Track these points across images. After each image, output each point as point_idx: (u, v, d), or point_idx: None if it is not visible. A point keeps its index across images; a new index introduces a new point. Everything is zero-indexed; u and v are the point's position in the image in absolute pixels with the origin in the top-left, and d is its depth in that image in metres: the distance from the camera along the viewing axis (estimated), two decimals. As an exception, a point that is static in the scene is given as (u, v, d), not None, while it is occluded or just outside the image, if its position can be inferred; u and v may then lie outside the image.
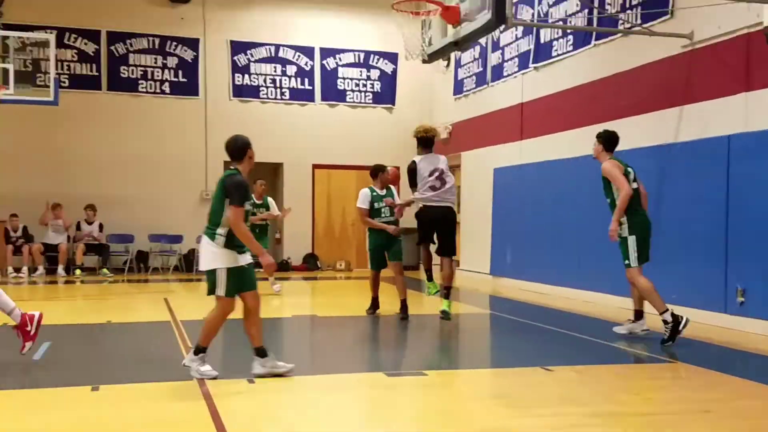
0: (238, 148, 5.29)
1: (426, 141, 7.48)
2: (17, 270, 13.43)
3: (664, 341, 6.54)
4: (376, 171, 8.73)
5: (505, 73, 13.02)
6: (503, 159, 12.99)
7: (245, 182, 5.19)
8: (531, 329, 8.02)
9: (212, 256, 5.10)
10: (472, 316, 9.48)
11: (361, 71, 16.30)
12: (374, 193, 8.49)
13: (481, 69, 13.88)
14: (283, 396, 4.95)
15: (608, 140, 6.90)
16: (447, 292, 7.32)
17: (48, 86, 12.96)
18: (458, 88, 14.81)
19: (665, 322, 6.53)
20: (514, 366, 5.90)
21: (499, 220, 13.08)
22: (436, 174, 7.28)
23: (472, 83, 14.24)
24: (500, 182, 13.07)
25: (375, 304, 8.62)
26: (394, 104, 16.46)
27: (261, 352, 5.24)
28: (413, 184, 7.26)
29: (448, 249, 7.38)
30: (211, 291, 5.15)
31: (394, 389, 5.16)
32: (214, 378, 5.17)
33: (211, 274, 5.12)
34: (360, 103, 16.30)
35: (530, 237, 11.96)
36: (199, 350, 5.23)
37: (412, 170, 7.28)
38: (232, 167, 5.30)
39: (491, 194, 13.27)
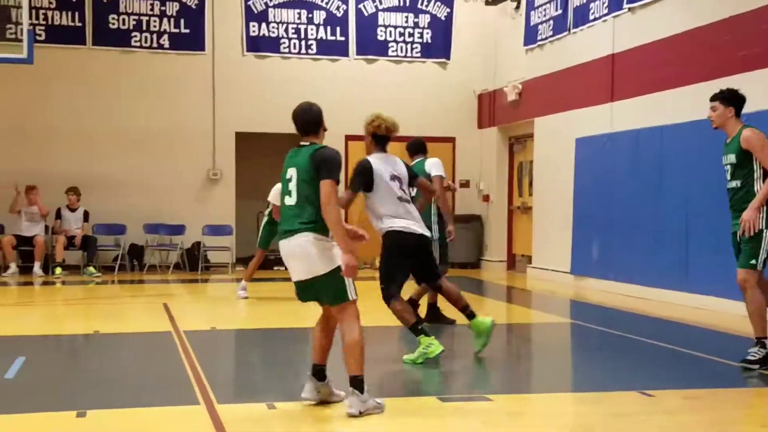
0: (315, 119, 5.27)
1: (385, 140, 6.78)
2: (-15, 268, 13.81)
3: (747, 362, 6.38)
4: (421, 146, 8.69)
5: (591, 16, 12.84)
6: (588, 126, 12.85)
7: (340, 157, 5.19)
8: (625, 343, 7.93)
9: (327, 253, 5.01)
10: (547, 326, 9.44)
11: (407, 17, 16.25)
12: None
13: (560, 11, 13.72)
14: (310, 425, 4.99)
15: (737, 101, 6.65)
16: (471, 311, 7.01)
17: (20, 40, 13.15)
18: (531, 36, 14.67)
19: (763, 345, 6.37)
20: (603, 390, 5.85)
21: (582, 205, 12.96)
22: (398, 183, 6.67)
23: (548, 30, 14.09)
24: (584, 156, 12.93)
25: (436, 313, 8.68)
26: (449, 58, 16.39)
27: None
28: (364, 187, 6.58)
29: (436, 270, 7.03)
30: (340, 298, 5.06)
31: (451, 418, 5.17)
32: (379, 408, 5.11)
33: (331, 278, 5.02)
34: (406, 57, 16.26)
35: (623, 226, 11.82)
36: (361, 383, 5.03)
37: (367, 169, 6.55)
38: (307, 143, 5.22)
39: (572, 171, 13.15)
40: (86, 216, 14.53)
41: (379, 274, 7.02)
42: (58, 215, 14.42)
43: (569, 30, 13.46)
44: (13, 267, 13.98)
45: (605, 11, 12.45)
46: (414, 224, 6.71)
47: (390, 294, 6.76)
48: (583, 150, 12.94)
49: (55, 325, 9.38)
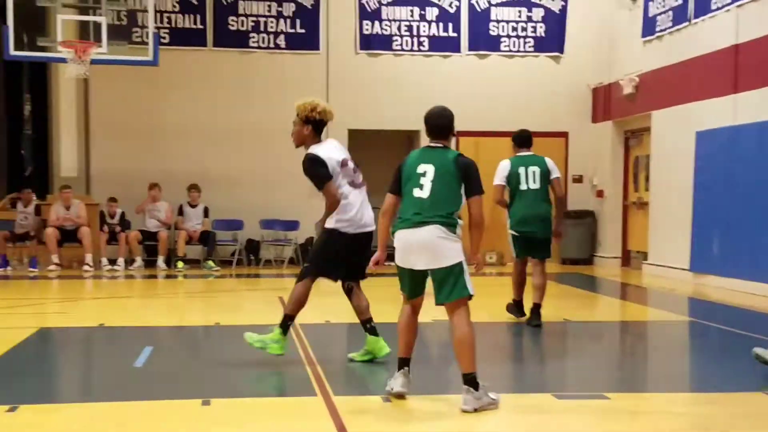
0: (448, 124, 5.41)
1: (320, 125, 6.57)
2: (112, 262, 14.41)
3: None
4: (529, 138, 8.64)
5: (713, 6, 12.43)
6: (710, 119, 12.45)
7: None
8: (748, 343, 7.66)
9: (453, 246, 5.18)
10: (665, 324, 9.21)
11: (519, 11, 16.08)
12: None
13: (680, 1, 13.33)
14: (424, 420, 5.04)
15: None
16: (373, 326, 6.52)
17: (146, 43, 13.72)
18: (649, 27, 14.31)
19: None
20: (725, 390, 5.70)
21: (703, 200, 12.57)
22: (351, 165, 6.38)
23: (667, 21, 13.71)
24: (705, 150, 12.54)
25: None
26: (562, 52, 16.14)
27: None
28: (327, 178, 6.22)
29: (362, 270, 6.51)
30: (458, 292, 5.16)
31: (567, 416, 5.12)
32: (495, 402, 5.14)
33: (454, 271, 5.16)
34: (518, 51, 16.11)
35: (747, 222, 11.41)
36: (474, 380, 5.11)
37: (321, 162, 6.28)
38: (439, 145, 5.37)
39: (692, 165, 12.77)
40: (206, 212, 14.96)
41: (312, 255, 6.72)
42: (180, 211, 14.89)
43: (690, 20, 13.06)
44: (138, 261, 14.57)
45: (728, 0, 12.03)
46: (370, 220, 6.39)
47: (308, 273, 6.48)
48: (705, 143, 12.55)
49: (178, 316, 9.75)
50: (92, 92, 15.16)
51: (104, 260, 14.32)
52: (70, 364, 7.07)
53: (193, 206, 14.92)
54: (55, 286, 12.60)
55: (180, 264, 14.34)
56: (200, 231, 14.75)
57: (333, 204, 6.22)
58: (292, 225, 15.37)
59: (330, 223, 6.33)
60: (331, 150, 6.42)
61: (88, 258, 14.02)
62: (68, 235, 14.09)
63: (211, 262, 14.50)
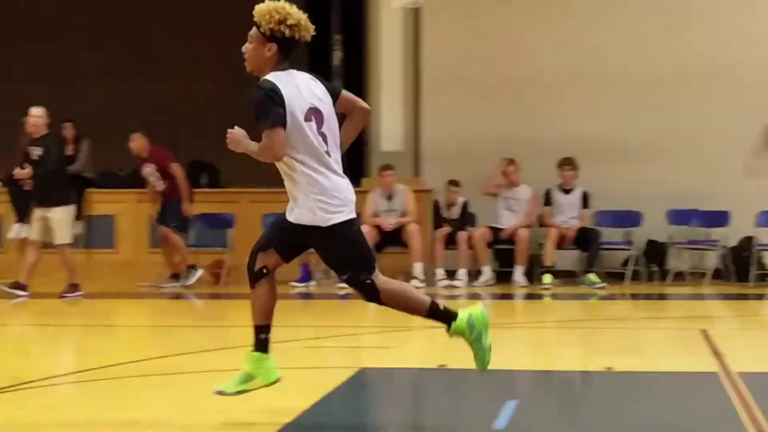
0: None
1: (290, 45, 6.30)
2: (450, 274, 14.88)
3: None
4: None
5: None
6: None
7: None
8: None
9: None
10: None
11: None
12: None
13: None
14: None
15: None
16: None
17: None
18: None
19: None
20: None
21: None
22: (317, 117, 6.25)
23: None
24: None
25: None
26: None
27: None
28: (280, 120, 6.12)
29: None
30: None
31: None
32: None
33: None
34: None
35: None
36: None
37: (270, 99, 6.14)
38: None
39: None
40: (585, 200, 15.07)
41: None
42: (547, 200, 15.15)
43: None
44: (487, 272, 14.94)
45: None
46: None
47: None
48: None
49: (548, 356, 9.89)
50: (425, 31, 15.76)
51: (439, 271, 14.87)
52: (403, 422, 7.44)
53: (566, 191, 15.06)
54: (373, 310, 13.24)
55: (547, 278, 14.56)
56: (576, 228, 14.86)
57: (264, 154, 6.17)
58: (718, 218, 15.09)
59: (336, 218, 6.25)
60: (298, 89, 6.23)
61: (418, 268, 14.60)
62: (389, 237, 14.72)
63: (592, 276, 14.56)
